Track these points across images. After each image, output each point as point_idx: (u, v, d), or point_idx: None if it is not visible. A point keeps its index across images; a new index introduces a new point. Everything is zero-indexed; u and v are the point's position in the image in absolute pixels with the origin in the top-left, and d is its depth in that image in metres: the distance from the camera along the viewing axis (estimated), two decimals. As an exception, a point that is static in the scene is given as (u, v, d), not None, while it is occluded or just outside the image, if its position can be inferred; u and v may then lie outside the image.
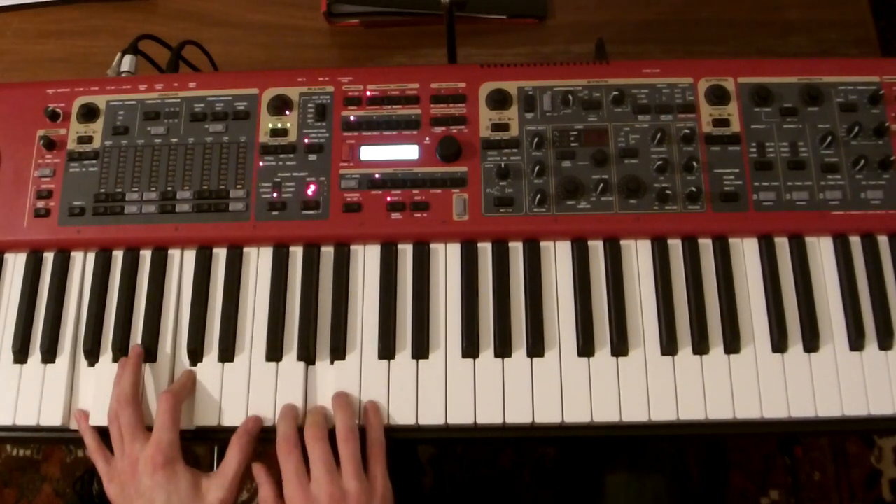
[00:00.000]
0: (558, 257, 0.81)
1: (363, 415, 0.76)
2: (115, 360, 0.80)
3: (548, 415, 0.76)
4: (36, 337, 0.81)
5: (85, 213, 0.82)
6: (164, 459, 0.72)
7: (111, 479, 0.75)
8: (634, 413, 0.75)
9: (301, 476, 0.71)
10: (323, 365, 0.79)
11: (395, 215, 0.81)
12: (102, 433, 0.77)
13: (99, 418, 0.77)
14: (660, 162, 0.80)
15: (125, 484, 0.73)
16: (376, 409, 0.76)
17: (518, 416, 0.76)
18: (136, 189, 0.83)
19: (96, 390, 0.79)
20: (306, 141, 0.84)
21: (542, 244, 0.81)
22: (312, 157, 0.83)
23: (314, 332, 0.79)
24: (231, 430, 0.77)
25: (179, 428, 0.75)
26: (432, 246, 0.82)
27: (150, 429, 0.74)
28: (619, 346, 0.77)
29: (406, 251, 0.82)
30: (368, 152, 0.83)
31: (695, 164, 0.80)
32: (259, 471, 0.75)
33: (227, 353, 0.79)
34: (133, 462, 0.73)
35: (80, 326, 0.81)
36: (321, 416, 0.75)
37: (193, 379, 0.78)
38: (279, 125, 0.84)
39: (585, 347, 0.77)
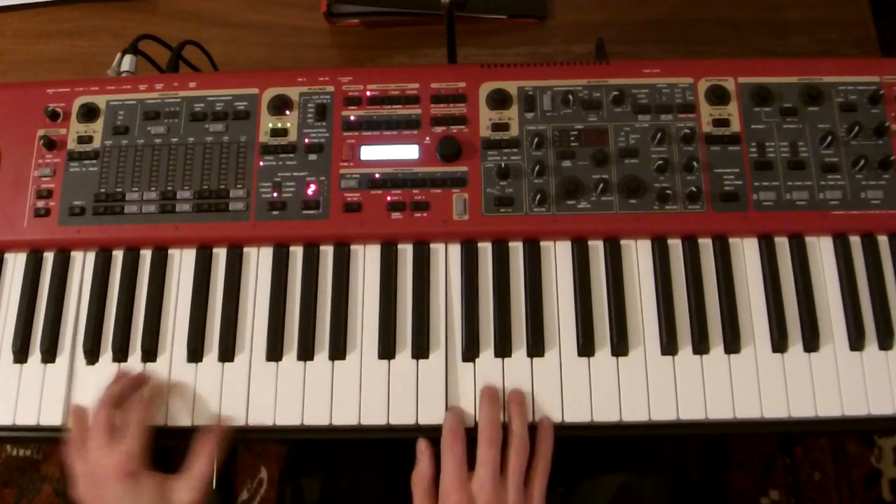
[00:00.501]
0: (558, 257, 0.81)
1: (539, 429, 0.75)
2: (115, 360, 0.80)
3: (548, 414, 0.76)
4: (36, 337, 0.81)
5: (85, 212, 0.82)
6: (130, 468, 0.72)
7: (84, 473, 0.74)
8: (634, 413, 0.75)
9: (463, 472, 0.71)
10: (323, 365, 0.79)
11: (396, 215, 0.81)
12: None
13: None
14: (660, 162, 0.80)
15: (98, 487, 0.73)
16: (550, 429, 0.75)
17: (518, 415, 0.76)
18: (136, 189, 0.83)
19: (96, 390, 0.78)
20: (306, 141, 0.84)
21: (543, 244, 0.81)
22: (312, 156, 0.83)
23: (314, 331, 0.79)
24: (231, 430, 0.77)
25: (147, 437, 0.74)
26: (432, 246, 0.82)
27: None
28: (620, 346, 0.77)
29: (406, 251, 0.82)
30: (368, 152, 0.83)
31: (695, 164, 0.80)
32: (425, 446, 0.75)
33: (227, 353, 0.79)
34: (103, 467, 0.72)
35: (79, 326, 0.81)
36: (499, 419, 0.74)
37: (162, 388, 0.78)
38: (279, 125, 0.84)
39: (585, 347, 0.77)
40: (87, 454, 0.74)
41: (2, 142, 0.85)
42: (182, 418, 0.77)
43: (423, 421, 0.76)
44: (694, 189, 0.79)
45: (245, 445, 1.54)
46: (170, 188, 0.83)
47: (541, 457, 0.74)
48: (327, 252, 0.82)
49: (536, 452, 0.74)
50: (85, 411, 0.77)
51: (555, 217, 0.80)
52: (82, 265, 0.83)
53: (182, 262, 0.83)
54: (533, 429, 0.75)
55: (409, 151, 0.83)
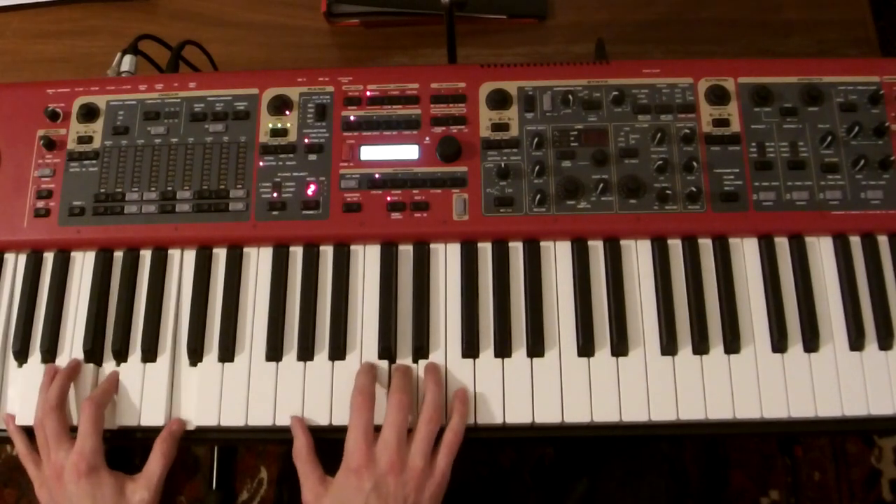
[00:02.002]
0: (558, 257, 0.81)
1: (451, 401, 0.76)
2: (115, 360, 0.80)
3: (548, 415, 0.76)
4: (36, 337, 0.81)
5: (85, 213, 0.82)
6: (87, 467, 0.72)
7: (41, 485, 0.75)
8: (634, 413, 0.75)
9: (369, 433, 0.71)
10: (323, 365, 0.79)
11: (395, 215, 0.81)
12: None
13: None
14: (660, 162, 0.80)
15: (52, 490, 0.74)
16: (466, 398, 0.76)
17: (518, 415, 0.76)
18: (136, 189, 0.83)
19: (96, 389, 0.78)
20: (306, 141, 0.84)
21: (542, 244, 0.81)
22: (312, 157, 0.83)
23: (314, 332, 0.79)
24: (231, 431, 0.77)
25: (102, 433, 0.75)
26: (432, 246, 0.82)
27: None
28: (619, 346, 0.77)
29: (406, 251, 0.82)
30: (368, 152, 0.83)
31: (695, 164, 0.80)
32: (296, 422, 0.75)
33: (227, 353, 0.79)
34: (58, 470, 0.73)
35: (79, 326, 0.81)
36: (411, 384, 0.75)
37: (115, 382, 0.78)
38: (279, 125, 0.84)
39: (585, 347, 0.77)
40: (42, 462, 0.75)
41: (2, 142, 0.85)
42: (181, 417, 0.77)
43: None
44: (694, 189, 0.79)
45: (245, 445, 1.54)
46: (170, 188, 0.83)
47: (451, 428, 0.74)
48: (327, 252, 0.82)
49: (450, 424, 0.74)
50: (21, 430, 0.78)
51: (555, 217, 0.80)
52: (82, 265, 0.83)
53: (182, 262, 0.83)
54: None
55: (409, 151, 0.83)
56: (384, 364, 0.78)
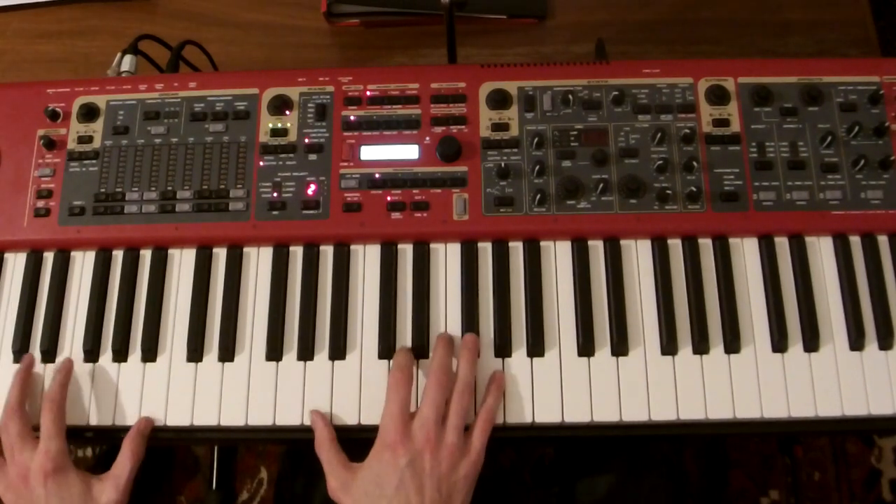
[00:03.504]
0: (558, 257, 0.81)
1: (488, 382, 0.76)
2: (115, 360, 0.80)
3: (548, 414, 0.76)
4: (36, 337, 0.81)
5: (85, 212, 0.82)
6: (53, 467, 0.72)
7: (7, 487, 0.75)
8: (634, 413, 0.75)
9: (406, 410, 0.72)
10: (323, 364, 0.79)
11: (396, 215, 0.81)
12: None
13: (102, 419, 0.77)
14: (660, 162, 0.80)
15: (19, 493, 0.73)
16: (502, 381, 0.76)
17: (518, 415, 0.76)
18: (136, 189, 0.83)
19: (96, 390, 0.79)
20: (306, 141, 0.84)
21: (542, 244, 0.81)
22: (312, 156, 0.83)
23: (314, 331, 0.79)
24: (231, 430, 0.77)
25: (65, 433, 0.74)
26: (432, 246, 0.82)
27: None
28: (620, 346, 0.77)
29: (406, 251, 0.82)
30: (368, 152, 0.83)
31: (695, 164, 0.80)
32: (316, 415, 0.75)
33: (227, 353, 0.79)
34: (23, 472, 0.73)
35: (79, 326, 0.81)
36: (450, 362, 0.75)
37: (68, 371, 0.78)
38: (279, 125, 0.84)
39: (585, 347, 0.77)
40: (6, 466, 0.75)
41: (2, 142, 0.85)
42: (182, 418, 0.77)
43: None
44: (694, 189, 0.79)
45: (245, 445, 1.54)
46: (170, 188, 0.83)
47: (485, 407, 0.74)
48: (327, 252, 0.82)
49: (484, 401, 0.74)
50: None
51: (555, 217, 0.80)
52: (82, 265, 0.83)
53: (182, 262, 0.83)
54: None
55: (409, 151, 0.83)
56: (383, 363, 0.78)
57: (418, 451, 0.69)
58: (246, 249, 0.83)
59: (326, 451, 0.73)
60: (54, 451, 0.73)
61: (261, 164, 0.83)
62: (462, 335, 0.78)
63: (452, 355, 0.76)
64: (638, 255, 0.81)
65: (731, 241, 0.81)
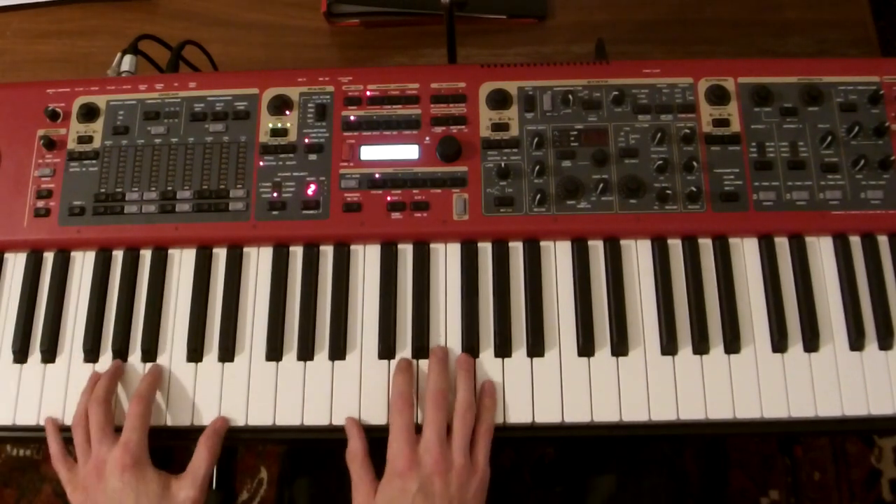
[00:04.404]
0: (558, 257, 0.81)
1: (479, 395, 0.76)
2: (115, 359, 0.79)
3: (548, 414, 0.76)
4: (36, 337, 0.81)
5: (85, 212, 0.82)
6: (132, 460, 0.71)
7: (75, 488, 0.74)
8: (634, 413, 0.75)
9: (411, 434, 0.72)
10: (323, 364, 0.79)
11: (396, 215, 0.81)
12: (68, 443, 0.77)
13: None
14: (660, 162, 0.80)
15: (90, 489, 0.72)
16: (494, 391, 0.76)
17: (518, 415, 0.76)
18: (136, 189, 0.83)
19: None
20: (306, 141, 0.84)
21: (542, 244, 0.81)
22: (312, 156, 0.83)
23: (314, 331, 0.79)
24: (231, 430, 0.77)
25: (148, 430, 0.74)
26: (432, 246, 0.82)
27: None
28: (620, 346, 0.77)
29: (406, 251, 0.82)
30: (368, 152, 0.83)
31: (695, 164, 0.80)
32: (351, 423, 0.75)
33: (227, 353, 0.79)
34: (100, 464, 0.72)
35: (79, 326, 0.81)
36: (447, 384, 0.75)
37: (158, 374, 0.78)
38: (279, 125, 0.84)
39: (585, 347, 0.77)
40: (76, 465, 0.74)
41: (2, 142, 0.85)
42: (182, 418, 0.77)
43: (423, 420, 0.76)
44: (694, 189, 0.79)
45: (245, 445, 1.54)
46: (170, 188, 0.83)
47: (483, 420, 0.74)
48: (327, 252, 0.82)
49: (479, 416, 0.74)
50: (57, 422, 0.77)
51: (555, 217, 0.80)
52: (82, 265, 0.83)
53: (182, 262, 0.83)
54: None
55: (409, 151, 0.83)
56: (383, 363, 0.78)
57: (427, 475, 0.70)
58: (246, 249, 0.83)
59: (359, 465, 0.73)
60: (135, 443, 0.72)
61: (261, 164, 0.83)
62: (462, 335, 0.78)
63: (448, 373, 0.76)
64: (638, 255, 0.81)
65: (731, 241, 0.81)
